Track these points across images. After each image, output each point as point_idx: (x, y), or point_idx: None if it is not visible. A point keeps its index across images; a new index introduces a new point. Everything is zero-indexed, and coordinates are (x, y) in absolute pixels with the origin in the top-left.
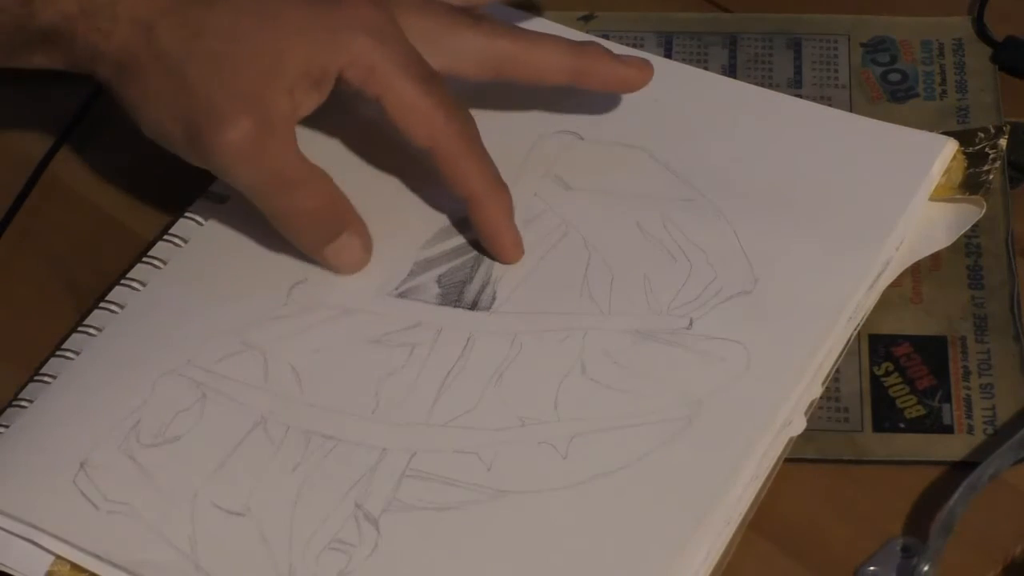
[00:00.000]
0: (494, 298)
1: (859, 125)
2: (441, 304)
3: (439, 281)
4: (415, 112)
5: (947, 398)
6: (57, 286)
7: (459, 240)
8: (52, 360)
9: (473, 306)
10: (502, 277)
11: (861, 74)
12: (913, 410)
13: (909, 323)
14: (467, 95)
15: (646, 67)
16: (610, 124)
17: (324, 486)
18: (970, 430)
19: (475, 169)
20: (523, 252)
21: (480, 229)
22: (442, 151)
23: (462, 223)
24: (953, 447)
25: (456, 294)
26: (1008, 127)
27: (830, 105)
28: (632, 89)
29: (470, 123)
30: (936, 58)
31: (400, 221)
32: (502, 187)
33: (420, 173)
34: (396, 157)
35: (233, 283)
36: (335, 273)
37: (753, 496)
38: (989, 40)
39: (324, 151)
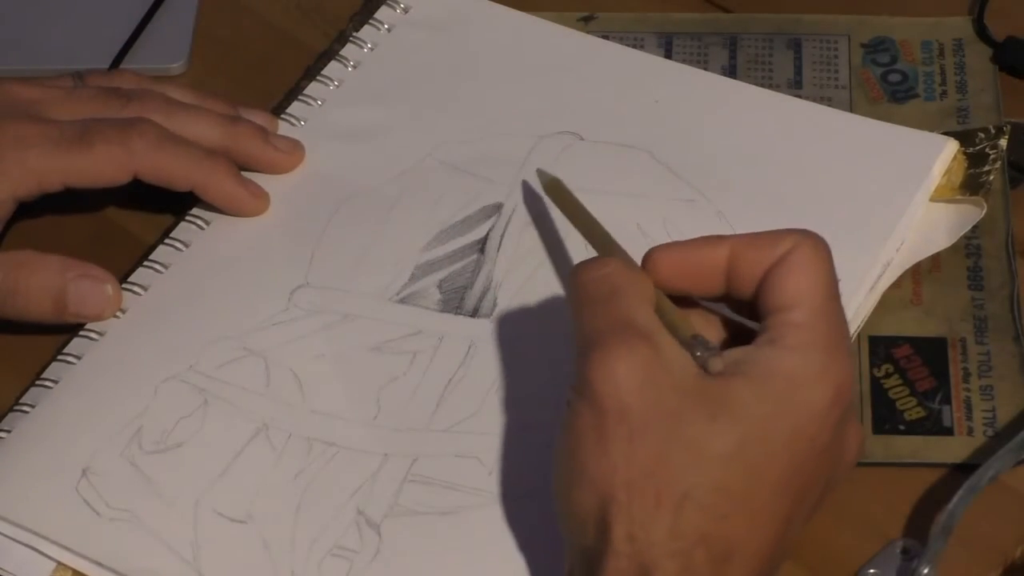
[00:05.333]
0: (495, 304)
1: (859, 125)
2: (442, 311)
3: (440, 286)
4: (93, 175)
5: (947, 400)
6: None
7: (460, 242)
8: (53, 364)
9: (474, 313)
10: (503, 282)
11: (861, 74)
12: (913, 412)
13: (909, 324)
14: (467, 95)
15: (295, 151)
16: (611, 125)
17: (326, 493)
18: (970, 432)
19: (177, 165)
20: (267, 198)
21: (218, 205)
22: (141, 175)
23: (462, 224)
24: (953, 449)
25: (457, 300)
26: (1008, 127)
27: (830, 105)
28: (280, 171)
29: (141, 132)
30: (936, 58)
31: (400, 224)
32: (210, 159)
33: (419, 175)
34: (395, 160)
35: (234, 288)
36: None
37: None
38: (989, 40)
39: (323, 158)
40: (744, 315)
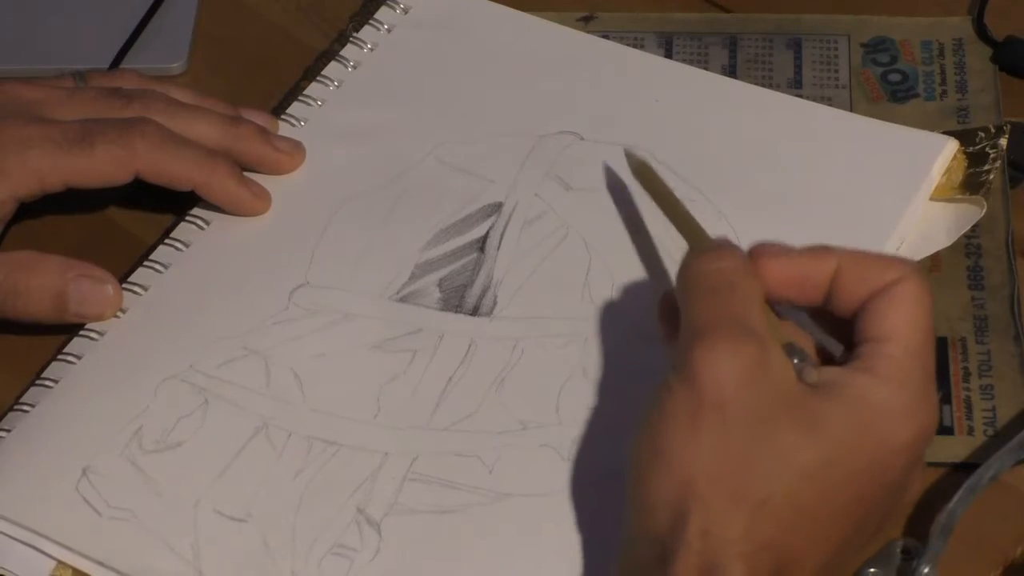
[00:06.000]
0: (495, 303)
1: (859, 125)
2: (442, 309)
3: (440, 285)
4: (94, 175)
5: (947, 399)
6: None
7: (459, 241)
8: (54, 364)
9: (474, 312)
10: (503, 280)
11: (861, 74)
12: None
13: None
14: (467, 96)
15: (296, 152)
16: (611, 125)
17: (326, 492)
18: (970, 431)
19: (179, 165)
20: (269, 198)
21: (220, 205)
22: (142, 175)
23: (462, 223)
24: (953, 448)
25: (457, 299)
26: (1008, 127)
27: (830, 105)
28: (281, 172)
29: (143, 132)
30: (936, 58)
31: (400, 224)
32: (212, 159)
33: (419, 175)
34: (395, 160)
35: (234, 287)
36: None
37: None
38: (989, 40)
39: (323, 158)
40: (827, 328)
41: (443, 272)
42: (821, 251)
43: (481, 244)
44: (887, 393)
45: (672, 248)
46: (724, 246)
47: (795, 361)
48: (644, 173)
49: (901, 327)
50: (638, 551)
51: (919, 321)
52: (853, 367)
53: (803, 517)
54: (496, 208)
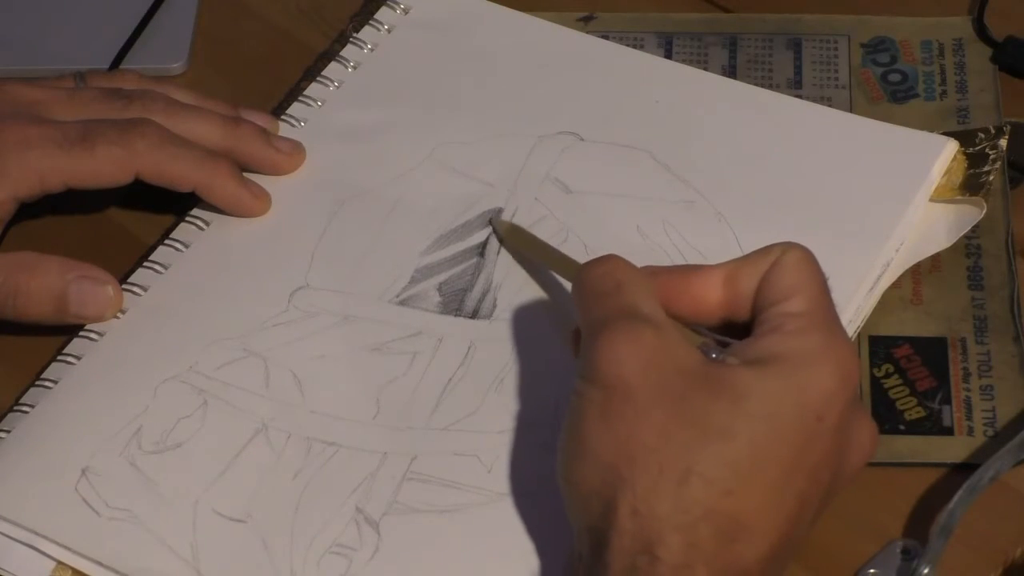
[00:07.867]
0: (495, 306)
1: (859, 126)
2: (442, 313)
3: (440, 289)
4: (95, 176)
5: (947, 400)
6: None
7: (459, 246)
8: (53, 365)
9: (474, 315)
10: (503, 284)
11: (861, 74)
12: (913, 412)
13: (909, 324)
14: (467, 96)
15: (296, 152)
16: (610, 125)
17: (325, 492)
18: (970, 432)
19: (179, 166)
20: (269, 199)
21: (220, 206)
22: (143, 175)
23: (463, 229)
24: (953, 449)
25: (457, 302)
26: (1008, 127)
27: (830, 105)
28: (281, 173)
29: (143, 133)
30: (936, 58)
31: (400, 227)
32: (212, 160)
33: (419, 176)
34: (395, 161)
35: (234, 289)
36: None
37: None
38: (989, 40)
39: (323, 159)
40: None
41: (443, 276)
42: (705, 266)
43: (481, 249)
44: (797, 343)
45: (672, 251)
46: (606, 255)
47: (713, 356)
48: (514, 234)
49: (795, 284)
50: (580, 547)
51: (811, 276)
52: (760, 332)
53: (742, 478)
54: (496, 214)
